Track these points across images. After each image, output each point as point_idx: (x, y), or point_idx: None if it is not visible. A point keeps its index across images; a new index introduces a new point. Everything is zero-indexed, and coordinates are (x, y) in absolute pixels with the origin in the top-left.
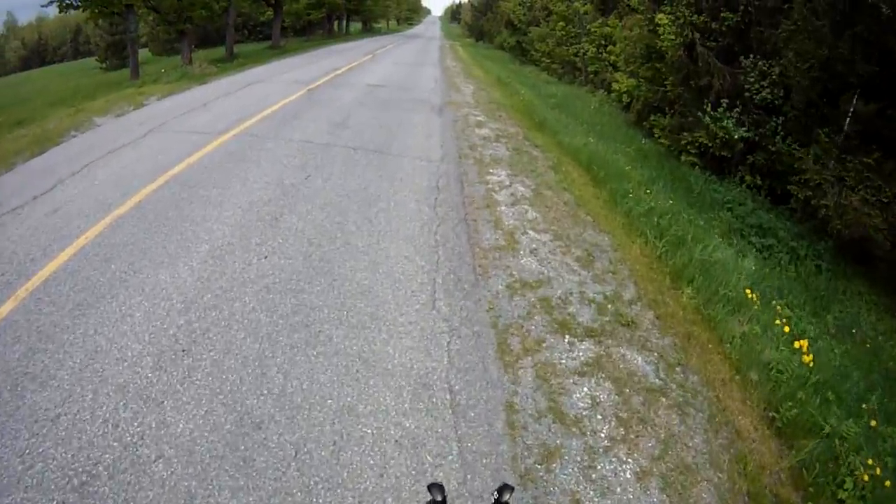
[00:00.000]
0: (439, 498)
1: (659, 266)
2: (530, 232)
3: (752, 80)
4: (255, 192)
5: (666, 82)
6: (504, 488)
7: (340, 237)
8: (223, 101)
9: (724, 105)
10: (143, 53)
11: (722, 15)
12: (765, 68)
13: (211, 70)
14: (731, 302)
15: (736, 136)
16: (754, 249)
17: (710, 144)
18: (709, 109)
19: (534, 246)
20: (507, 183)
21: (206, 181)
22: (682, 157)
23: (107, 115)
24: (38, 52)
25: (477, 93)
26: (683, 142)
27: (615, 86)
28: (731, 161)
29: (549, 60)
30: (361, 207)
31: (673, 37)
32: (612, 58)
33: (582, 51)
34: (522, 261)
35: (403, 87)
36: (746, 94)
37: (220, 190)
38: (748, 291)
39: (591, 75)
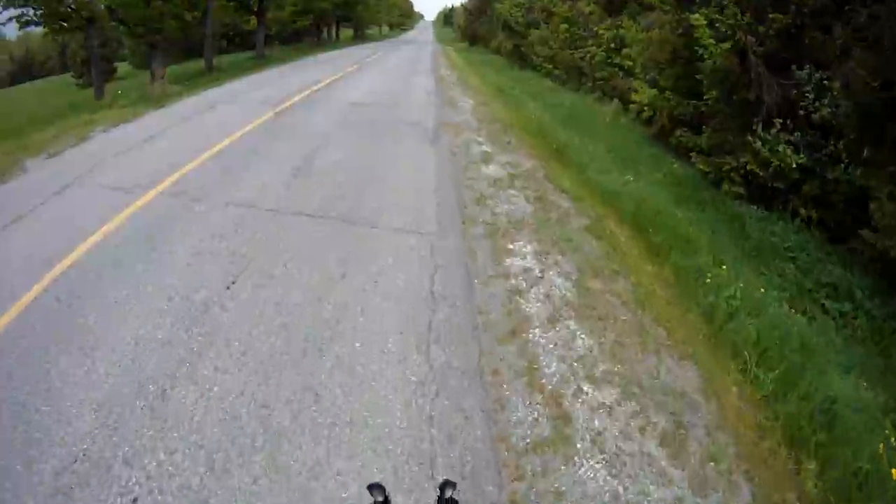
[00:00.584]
0: (380, 499)
1: (770, 423)
2: (586, 388)
3: (808, 94)
4: (142, 326)
5: (705, 95)
6: (446, 484)
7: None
8: (172, 132)
9: (777, 126)
10: (124, 67)
11: (770, 16)
12: (823, 81)
13: (173, 90)
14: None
15: (794, 166)
16: (830, 319)
17: (760, 173)
18: (758, 130)
19: (596, 425)
20: (538, 271)
21: (74, 309)
22: (725, 186)
23: (40, 155)
24: (26, 66)
25: (477, 109)
26: (726, 167)
27: (635, 96)
28: (781, 190)
29: (550, 66)
30: (304, 371)
31: (715, 41)
32: (627, 62)
33: (588, 55)
34: (582, 470)
35: (391, 104)
36: (801, 111)
37: (82, 336)
38: None
39: (600, 82)
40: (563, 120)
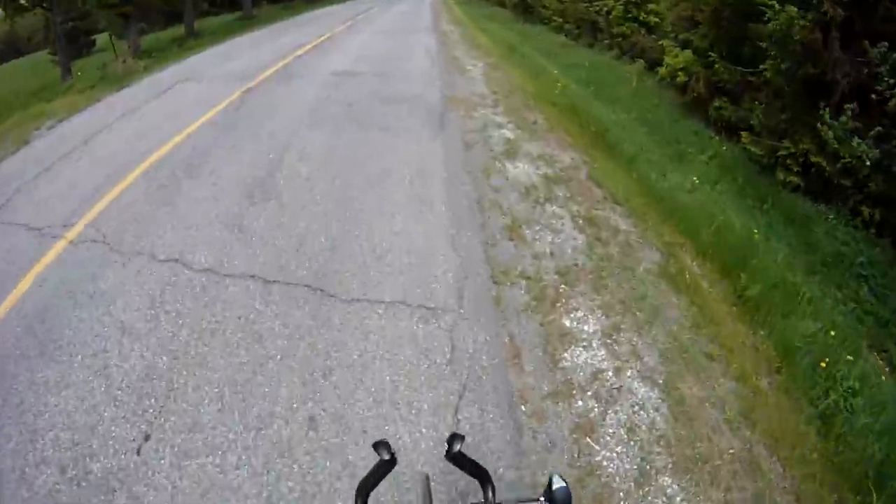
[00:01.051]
0: (387, 456)
1: None
2: None
3: (883, 76)
4: None
5: (762, 65)
6: (454, 437)
7: None
8: (116, 128)
9: (849, 112)
10: (103, 39)
11: None
12: None
13: (138, 66)
14: None
15: (868, 161)
16: None
17: (825, 167)
18: (826, 116)
19: None
20: (611, 373)
21: None
22: (779, 174)
23: None
24: (12, 44)
25: (490, 74)
26: (781, 152)
27: (667, 59)
28: (846, 186)
29: (560, 19)
30: None
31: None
32: (652, 19)
33: (605, 9)
34: None
35: (385, 72)
36: (874, 95)
37: None
38: None
39: (618, 39)
40: (584, 84)
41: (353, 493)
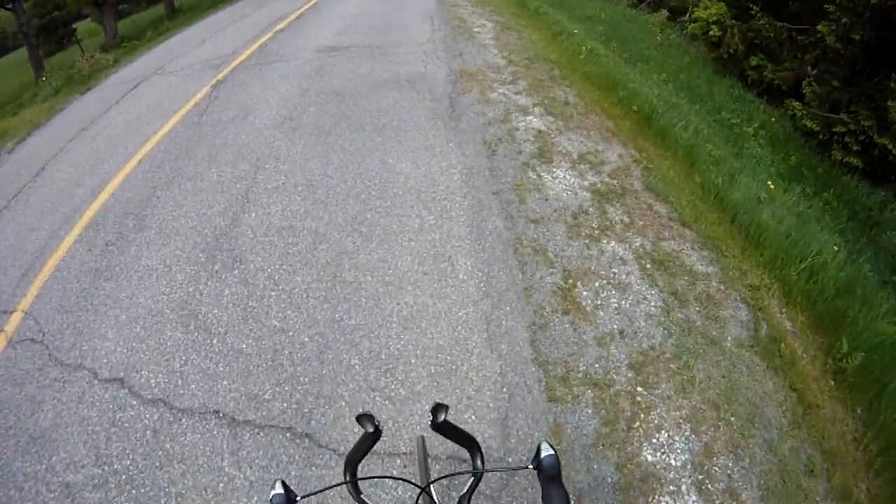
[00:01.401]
0: (370, 429)
1: None
2: None
3: None
4: None
5: (820, 25)
6: (438, 407)
7: None
8: (69, 153)
9: None
10: (85, 25)
11: None
12: None
13: (105, 62)
14: None
15: None
16: None
17: (892, 150)
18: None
19: None
20: None
21: None
22: (835, 153)
23: None
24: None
25: (502, 37)
26: (838, 128)
27: (699, 12)
28: None
29: None
30: None
31: None
32: None
33: None
34: None
35: (379, 44)
36: None
37: None
38: None
39: None
40: (605, 40)
41: None
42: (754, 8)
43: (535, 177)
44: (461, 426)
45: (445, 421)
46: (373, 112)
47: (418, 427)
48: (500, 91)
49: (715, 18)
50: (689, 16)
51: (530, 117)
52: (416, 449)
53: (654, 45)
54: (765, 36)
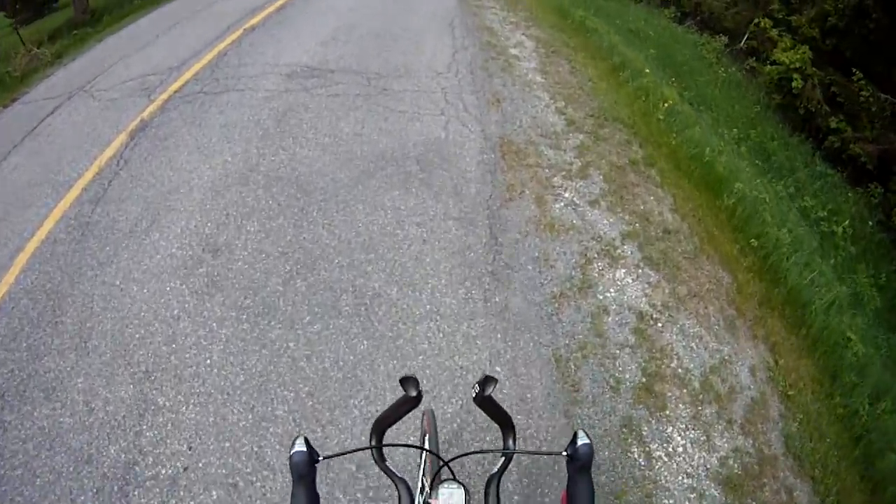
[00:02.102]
0: (413, 393)
1: None
2: None
3: None
4: None
5: None
6: (487, 381)
7: None
8: None
9: None
10: None
11: None
12: None
13: (44, 59)
14: None
15: None
16: None
17: None
18: None
19: None
20: None
21: None
22: None
23: None
24: None
25: (550, 68)
26: None
27: (780, 55)
28: None
29: None
30: None
31: None
32: None
33: None
34: None
35: (377, 70)
36: None
37: None
38: None
39: None
40: (661, 66)
41: None
42: (857, 74)
43: (643, 463)
44: None
45: (490, 396)
46: (355, 252)
47: None
48: (567, 196)
49: (798, 65)
50: (761, 56)
51: (621, 272)
52: (425, 422)
53: (714, 80)
54: (856, 102)
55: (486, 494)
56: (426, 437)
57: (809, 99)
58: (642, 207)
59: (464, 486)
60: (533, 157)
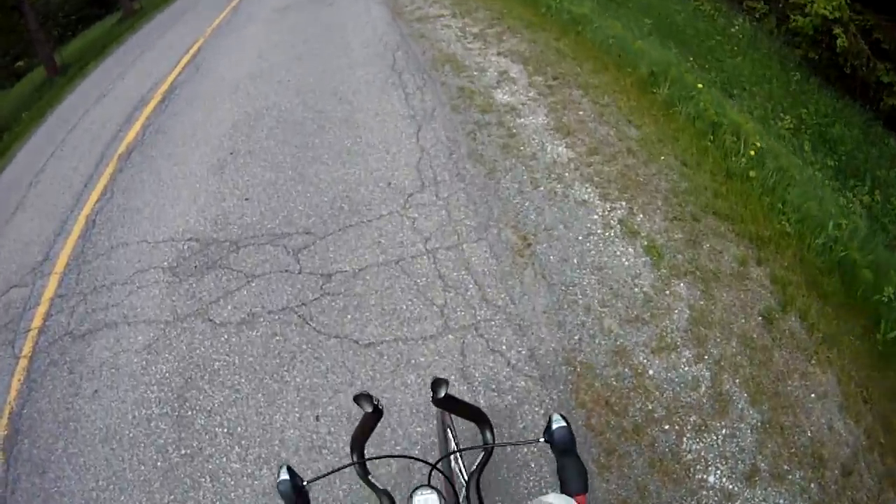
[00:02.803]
0: (369, 409)
1: None
2: None
3: None
4: None
5: None
6: (438, 382)
7: None
8: None
9: None
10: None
11: None
12: None
13: None
14: None
15: None
16: None
17: None
18: None
19: None
20: None
21: None
22: None
23: None
24: None
25: (559, 110)
26: None
27: (818, 6)
28: None
29: None
30: None
31: None
32: None
33: None
34: None
35: (302, 219)
36: None
37: None
38: None
39: None
40: (661, 37)
41: None
42: None
43: None
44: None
45: (448, 395)
46: None
47: None
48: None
49: (837, 14)
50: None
51: None
52: (437, 421)
53: (727, 43)
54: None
55: (467, 491)
56: (447, 431)
57: (857, 55)
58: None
59: (437, 490)
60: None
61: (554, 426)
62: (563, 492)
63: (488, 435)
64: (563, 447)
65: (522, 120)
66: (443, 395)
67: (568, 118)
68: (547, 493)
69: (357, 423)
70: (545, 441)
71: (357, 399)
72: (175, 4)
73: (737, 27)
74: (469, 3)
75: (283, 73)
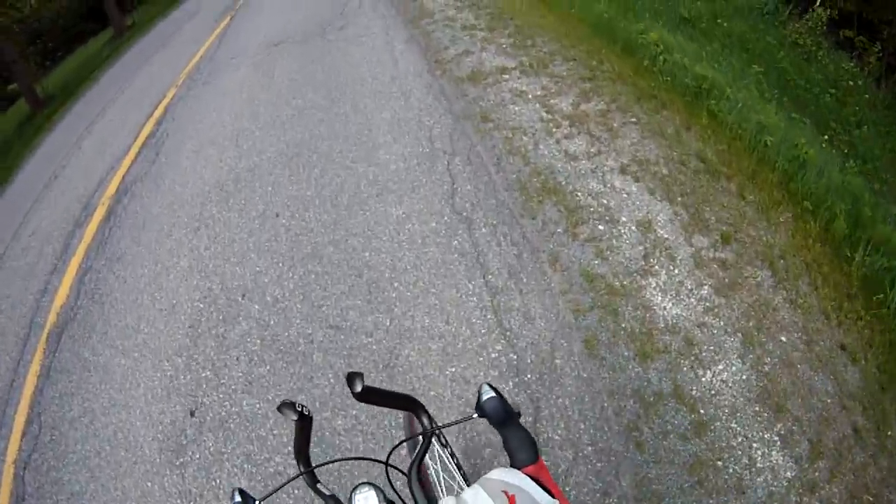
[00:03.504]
0: (294, 417)
1: None
2: None
3: None
4: None
5: None
6: (353, 376)
7: None
8: None
9: None
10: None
11: None
12: None
13: None
14: None
15: None
16: None
17: None
18: None
19: None
20: None
21: None
22: None
23: None
24: None
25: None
26: None
27: None
28: None
29: None
30: None
31: None
32: None
33: None
34: None
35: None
36: None
37: None
38: None
39: None
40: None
41: None
42: None
43: None
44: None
45: (367, 388)
46: None
47: None
48: None
49: None
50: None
51: None
52: (404, 427)
53: (852, 109)
54: None
55: (409, 483)
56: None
57: None
58: None
59: (374, 486)
60: None
61: (483, 398)
62: (512, 465)
63: (425, 420)
64: (499, 418)
65: (709, 377)
66: (360, 388)
67: (778, 372)
68: (494, 467)
69: (293, 435)
70: (479, 416)
71: (281, 409)
72: (161, 25)
73: (845, 71)
74: (534, 39)
75: (268, 192)
